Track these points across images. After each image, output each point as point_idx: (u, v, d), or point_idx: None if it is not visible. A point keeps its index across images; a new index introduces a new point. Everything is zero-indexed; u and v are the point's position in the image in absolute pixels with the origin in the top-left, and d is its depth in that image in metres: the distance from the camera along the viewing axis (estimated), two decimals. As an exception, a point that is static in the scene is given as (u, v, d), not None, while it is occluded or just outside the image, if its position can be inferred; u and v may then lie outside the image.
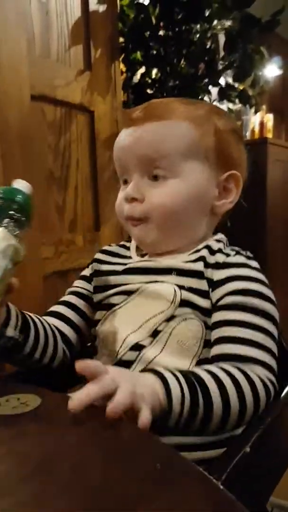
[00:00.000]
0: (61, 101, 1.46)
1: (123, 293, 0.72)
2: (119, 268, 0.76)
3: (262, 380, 0.59)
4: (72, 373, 0.71)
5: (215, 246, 0.72)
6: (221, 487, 0.34)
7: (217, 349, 0.63)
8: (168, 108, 0.73)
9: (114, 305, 0.73)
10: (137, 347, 0.67)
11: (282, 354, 0.72)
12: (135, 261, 0.76)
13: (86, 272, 0.82)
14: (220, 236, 0.76)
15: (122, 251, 0.81)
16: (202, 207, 0.73)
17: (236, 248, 0.73)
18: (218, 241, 0.74)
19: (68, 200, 1.50)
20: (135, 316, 0.69)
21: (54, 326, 0.75)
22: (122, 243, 0.83)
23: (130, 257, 0.78)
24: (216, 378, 0.56)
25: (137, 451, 0.41)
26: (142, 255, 0.78)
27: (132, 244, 0.81)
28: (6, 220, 0.56)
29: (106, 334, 0.71)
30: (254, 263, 0.70)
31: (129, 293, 0.72)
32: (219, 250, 0.71)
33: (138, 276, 0.72)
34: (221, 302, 0.65)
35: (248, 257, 0.71)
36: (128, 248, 0.81)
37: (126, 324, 0.70)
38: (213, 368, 0.58)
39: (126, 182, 0.75)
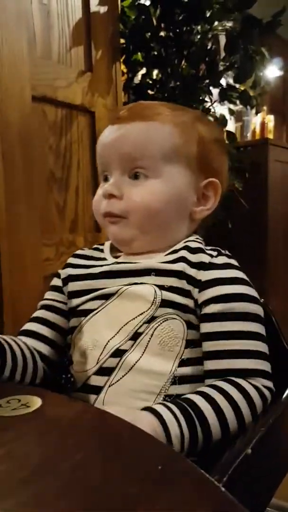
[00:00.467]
0: (62, 102, 1.46)
1: (100, 298, 0.71)
2: (95, 271, 0.74)
3: (258, 390, 0.60)
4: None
5: (194, 245, 0.71)
6: (222, 488, 0.34)
7: (210, 364, 0.64)
8: (154, 110, 0.74)
9: (91, 310, 0.71)
10: (118, 352, 0.66)
11: (282, 355, 0.72)
12: (111, 262, 0.74)
13: (56, 282, 0.79)
14: (195, 236, 0.76)
15: (96, 254, 0.79)
16: (180, 210, 0.73)
17: (216, 248, 0.72)
18: (195, 241, 0.73)
19: (69, 201, 1.50)
20: (114, 320, 0.68)
21: (31, 345, 0.73)
22: (95, 246, 0.82)
23: (104, 259, 0.77)
24: (213, 403, 0.57)
25: (138, 451, 0.41)
26: (117, 257, 0.76)
27: (106, 246, 0.80)
28: None
29: (85, 341, 0.70)
30: (235, 262, 0.70)
31: (106, 296, 0.70)
32: (200, 250, 0.70)
33: (115, 279, 0.71)
34: (209, 310, 0.65)
35: (229, 256, 0.71)
36: (102, 251, 0.79)
37: (105, 329, 0.68)
38: (209, 391, 0.59)
39: (106, 179, 0.74)
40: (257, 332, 0.64)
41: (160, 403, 0.57)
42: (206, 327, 0.65)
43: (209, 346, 0.64)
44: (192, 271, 0.67)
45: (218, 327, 0.64)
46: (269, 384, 0.62)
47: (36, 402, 0.50)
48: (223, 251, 0.72)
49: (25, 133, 1.32)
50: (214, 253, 0.70)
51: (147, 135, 0.71)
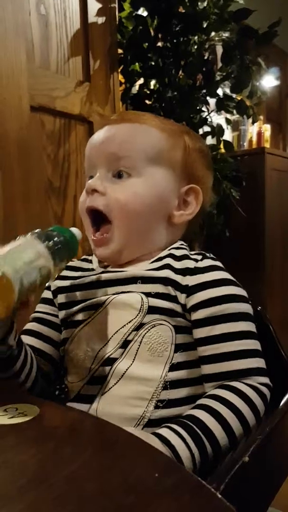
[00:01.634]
0: (60, 112, 1.47)
1: (89, 308, 0.71)
2: (83, 281, 0.74)
3: (256, 389, 0.61)
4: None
5: (178, 252, 0.72)
6: (220, 496, 0.34)
7: (206, 369, 0.65)
8: (143, 116, 0.76)
9: (81, 321, 0.71)
10: (109, 361, 0.66)
11: (279, 363, 0.72)
12: (98, 272, 0.74)
13: (47, 294, 0.79)
14: (179, 243, 0.76)
15: (85, 265, 0.79)
16: (161, 213, 0.73)
17: (201, 252, 0.73)
18: (179, 248, 0.73)
19: (67, 210, 1.50)
20: (104, 329, 0.68)
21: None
22: (83, 257, 0.82)
23: (92, 269, 0.77)
24: (218, 416, 0.57)
25: (134, 460, 0.40)
26: (105, 267, 0.76)
27: (94, 257, 0.80)
28: (52, 245, 0.60)
29: (76, 352, 0.70)
30: (220, 264, 0.71)
31: (95, 307, 0.70)
32: (185, 256, 0.71)
33: (103, 288, 0.71)
34: (199, 316, 0.65)
35: (213, 258, 0.72)
36: (90, 262, 0.80)
37: (95, 339, 0.69)
38: (211, 403, 0.59)
39: (91, 178, 0.74)
40: (248, 331, 0.65)
41: (165, 426, 0.57)
42: (198, 333, 0.65)
43: (203, 350, 0.65)
44: (177, 277, 0.67)
45: (209, 331, 0.64)
46: (265, 380, 0.63)
47: (34, 410, 0.50)
48: (207, 254, 0.72)
49: (23, 143, 1.33)
50: (199, 257, 0.70)
51: (133, 135, 0.72)
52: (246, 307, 0.67)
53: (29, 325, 0.78)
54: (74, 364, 0.69)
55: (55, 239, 0.62)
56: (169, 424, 0.57)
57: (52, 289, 0.78)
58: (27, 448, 0.43)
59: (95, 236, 0.72)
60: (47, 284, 0.65)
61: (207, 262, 0.69)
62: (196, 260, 0.69)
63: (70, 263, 0.80)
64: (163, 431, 0.56)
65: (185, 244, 0.76)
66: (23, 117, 1.33)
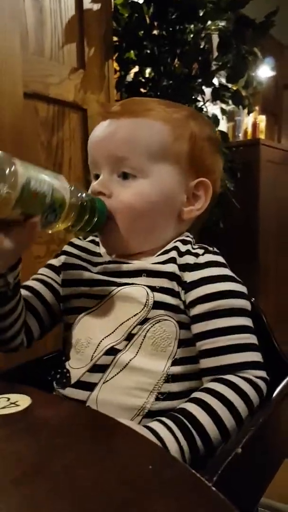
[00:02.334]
0: (54, 99, 1.45)
1: (94, 297, 0.71)
2: (89, 266, 0.74)
3: (251, 382, 0.61)
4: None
5: (183, 248, 0.71)
6: (214, 489, 0.33)
7: (204, 363, 0.65)
8: (146, 106, 0.73)
9: (86, 308, 0.71)
10: (112, 351, 0.66)
11: (273, 354, 0.73)
12: (105, 261, 0.74)
13: (54, 262, 0.80)
14: (185, 235, 0.75)
15: (91, 247, 0.78)
16: (169, 211, 0.72)
17: (203, 246, 0.72)
18: (185, 241, 0.72)
19: (60, 199, 1.49)
20: (109, 319, 0.68)
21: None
22: (91, 238, 0.81)
23: (99, 254, 0.76)
24: (209, 410, 0.57)
25: (129, 452, 0.40)
26: (111, 254, 0.76)
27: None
28: (76, 193, 0.63)
29: (79, 338, 0.70)
30: (221, 259, 0.70)
31: (100, 296, 0.70)
32: (188, 252, 0.70)
33: (108, 278, 0.71)
34: (197, 311, 0.65)
35: (215, 253, 0.71)
36: (97, 244, 0.79)
37: (99, 328, 0.68)
38: (203, 396, 0.59)
39: (97, 177, 0.73)
40: (244, 325, 0.65)
41: (156, 420, 0.57)
42: (196, 328, 0.66)
43: (201, 345, 0.65)
44: (180, 273, 0.67)
45: (206, 326, 0.64)
46: (262, 373, 0.63)
47: (26, 401, 0.50)
48: (210, 248, 0.71)
49: (17, 130, 1.31)
50: (201, 251, 0.70)
51: (134, 134, 0.70)
52: (243, 303, 0.66)
53: (28, 282, 0.78)
54: (76, 350, 0.69)
55: (83, 195, 0.64)
56: (159, 418, 0.57)
57: (59, 263, 0.78)
58: (20, 439, 0.43)
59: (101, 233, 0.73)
60: (56, 224, 0.62)
61: (207, 258, 0.69)
62: (197, 255, 0.69)
63: (77, 241, 0.80)
64: (153, 424, 0.56)
65: (190, 236, 0.75)
66: (16, 104, 1.31)
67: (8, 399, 0.50)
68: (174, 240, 0.73)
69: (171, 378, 0.64)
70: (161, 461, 0.39)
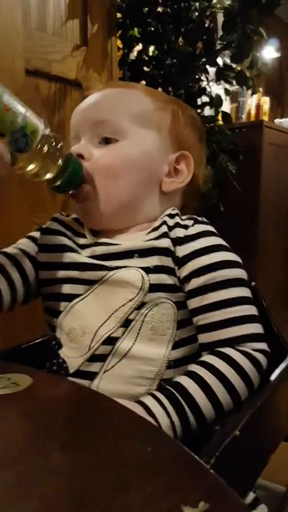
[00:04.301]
0: (56, 76, 1.43)
1: (83, 282, 0.67)
2: (75, 247, 0.70)
3: (248, 356, 0.60)
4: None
5: (171, 221, 0.68)
6: (212, 471, 0.34)
7: (203, 338, 0.64)
8: (129, 83, 0.76)
9: (75, 295, 0.67)
10: (110, 340, 0.64)
11: (272, 339, 0.73)
12: (91, 243, 0.70)
13: (36, 234, 0.75)
14: (171, 209, 0.72)
15: (76, 226, 0.75)
16: (148, 177, 0.70)
17: (192, 216, 0.70)
18: (171, 215, 0.70)
19: (61, 179, 1.48)
20: (102, 306, 0.65)
21: None
22: (75, 216, 0.76)
23: (83, 235, 0.73)
24: (201, 383, 0.57)
25: (128, 433, 0.41)
26: (95, 234, 0.73)
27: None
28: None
29: (72, 327, 0.67)
30: (212, 228, 0.69)
31: (91, 282, 0.66)
32: (177, 225, 0.67)
33: (97, 262, 0.67)
34: (192, 286, 0.64)
35: (204, 223, 0.69)
36: (81, 224, 0.75)
37: (93, 315, 0.66)
38: (196, 368, 0.59)
39: None
40: (242, 296, 0.64)
41: (149, 394, 0.58)
42: (191, 303, 0.64)
43: (197, 321, 0.64)
44: (173, 248, 0.65)
45: (202, 300, 0.63)
46: (261, 346, 0.62)
47: (26, 381, 0.50)
48: (199, 218, 0.70)
49: (18, 107, 1.29)
50: (190, 222, 0.68)
51: (118, 98, 0.71)
52: (238, 273, 0.65)
53: (6, 249, 0.73)
54: (71, 339, 0.67)
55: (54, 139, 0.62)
56: (153, 392, 0.58)
57: (38, 237, 0.74)
58: (19, 419, 0.43)
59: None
60: (26, 156, 0.59)
61: (197, 228, 0.67)
62: (186, 227, 0.67)
63: (60, 217, 0.76)
64: (146, 399, 0.56)
65: (176, 209, 0.72)
66: (17, 80, 1.29)
67: (9, 379, 0.50)
68: (161, 216, 0.70)
69: (172, 364, 0.64)
70: (159, 441, 0.39)
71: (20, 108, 0.57)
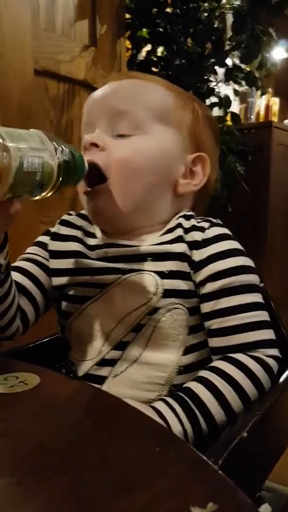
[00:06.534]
0: (65, 77, 1.43)
1: (96, 286, 0.65)
2: (86, 250, 0.68)
3: (260, 361, 0.59)
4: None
5: (187, 223, 0.67)
6: (220, 472, 0.34)
7: (214, 342, 0.63)
8: (148, 76, 0.72)
9: (87, 298, 0.66)
10: (121, 345, 0.63)
11: (280, 340, 0.72)
12: (103, 244, 0.68)
13: (45, 240, 0.73)
14: (186, 210, 0.70)
15: (86, 225, 0.72)
16: (166, 177, 0.68)
17: (207, 218, 0.68)
18: (187, 216, 0.68)
19: (69, 179, 1.48)
20: (114, 310, 0.64)
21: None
22: (83, 212, 0.74)
23: (94, 235, 0.71)
24: (213, 389, 0.57)
25: (135, 432, 0.40)
26: (105, 233, 0.71)
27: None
28: (60, 150, 0.55)
29: (82, 329, 0.66)
30: (228, 231, 0.67)
31: (103, 285, 0.65)
32: (193, 227, 0.66)
33: (109, 264, 0.65)
34: (207, 289, 0.63)
35: (220, 225, 0.68)
36: (91, 222, 0.73)
37: (105, 319, 0.64)
38: (208, 375, 0.58)
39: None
40: (256, 302, 0.63)
41: (160, 399, 0.57)
42: (205, 307, 0.63)
43: (210, 324, 0.63)
44: (189, 252, 0.64)
45: (216, 304, 0.62)
46: (273, 352, 0.61)
47: (34, 379, 0.50)
48: (214, 220, 0.68)
49: (26, 107, 1.30)
50: (206, 225, 0.66)
51: (138, 90, 0.68)
52: (253, 278, 0.64)
53: (18, 263, 0.72)
54: (81, 341, 0.66)
55: (64, 148, 0.56)
56: (164, 398, 0.57)
57: (49, 248, 0.72)
58: (27, 417, 0.43)
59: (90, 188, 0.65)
60: (40, 195, 0.55)
61: (214, 231, 0.65)
62: (203, 230, 0.65)
63: (68, 218, 0.74)
64: (158, 404, 0.56)
65: (190, 211, 0.71)
66: (26, 80, 1.30)
67: (17, 377, 0.50)
68: (176, 217, 0.69)
69: (183, 370, 0.63)
70: (166, 441, 0.39)
71: (37, 162, 0.51)
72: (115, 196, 0.64)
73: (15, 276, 0.69)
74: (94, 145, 0.65)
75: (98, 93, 0.70)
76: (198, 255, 0.64)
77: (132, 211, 0.66)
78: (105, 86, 0.70)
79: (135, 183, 0.65)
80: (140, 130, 0.65)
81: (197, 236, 0.65)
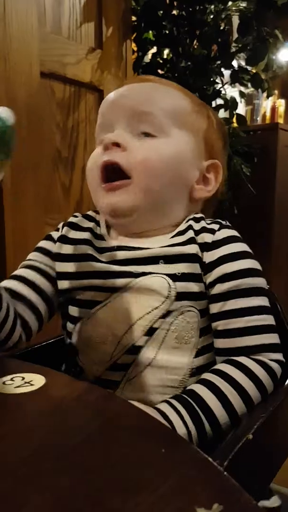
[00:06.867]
0: (71, 79, 1.44)
1: (105, 289, 0.65)
2: (95, 253, 0.68)
3: (264, 365, 0.59)
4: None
5: (197, 225, 0.67)
6: (226, 473, 0.34)
7: (219, 343, 0.63)
8: (164, 80, 0.73)
9: (97, 302, 0.65)
10: (134, 349, 0.62)
11: (285, 342, 0.72)
12: (112, 246, 0.68)
13: (45, 244, 0.72)
14: (194, 213, 0.71)
15: (93, 227, 0.72)
16: (183, 181, 0.69)
17: (216, 220, 0.69)
18: (197, 219, 0.69)
19: (75, 181, 1.49)
20: (126, 314, 0.63)
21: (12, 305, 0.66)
22: (90, 213, 0.74)
23: (102, 237, 0.71)
24: (217, 392, 0.57)
25: (141, 434, 0.40)
26: (115, 236, 0.71)
27: (102, 219, 0.73)
28: None
29: (92, 334, 0.65)
30: (237, 233, 0.68)
31: (113, 289, 0.64)
32: (204, 229, 0.66)
33: (120, 267, 0.65)
34: (216, 291, 0.63)
35: (229, 227, 0.68)
36: (98, 223, 0.73)
37: (116, 324, 0.63)
38: (212, 378, 0.59)
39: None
40: (262, 306, 0.63)
41: (165, 401, 0.57)
42: (212, 308, 0.63)
43: (216, 325, 0.63)
44: (201, 254, 0.64)
45: (224, 306, 0.62)
46: (277, 356, 0.61)
47: (40, 380, 0.50)
48: (223, 222, 0.68)
49: (32, 110, 1.30)
50: (216, 227, 0.66)
51: (158, 92, 0.68)
52: (260, 281, 0.64)
53: (19, 271, 0.71)
54: (91, 346, 0.65)
55: None
56: (168, 399, 0.57)
57: (52, 248, 0.71)
58: (32, 418, 0.43)
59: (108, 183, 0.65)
60: None
61: (224, 233, 0.66)
62: (213, 232, 0.65)
63: (75, 220, 0.73)
64: (162, 406, 0.56)
65: (200, 214, 0.71)
66: (32, 83, 1.30)
67: (23, 378, 0.50)
68: (186, 220, 0.69)
69: (195, 372, 0.63)
70: (172, 442, 0.39)
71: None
72: (136, 192, 0.65)
73: (17, 285, 0.69)
74: (116, 144, 0.65)
75: (116, 94, 0.70)
76: (209, 256, 0.64)
77: (150, 209, 0.67)
78: (123, 87, 0.70)
79: (157, 183, 0.66)
80: (162, 132, 0.66)
81: (207, 238, 0.65)
